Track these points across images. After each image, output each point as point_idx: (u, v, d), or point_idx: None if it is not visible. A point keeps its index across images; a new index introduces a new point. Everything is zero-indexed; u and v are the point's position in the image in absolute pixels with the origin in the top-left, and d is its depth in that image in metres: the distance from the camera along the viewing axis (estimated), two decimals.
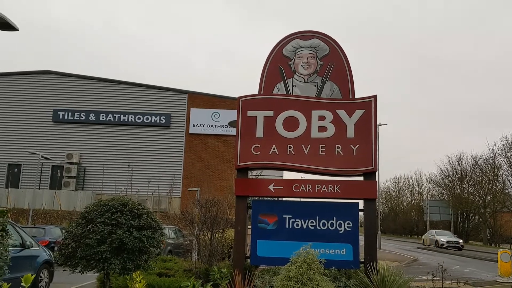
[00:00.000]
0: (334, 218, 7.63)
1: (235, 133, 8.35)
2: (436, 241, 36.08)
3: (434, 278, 9.31)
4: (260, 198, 8.49)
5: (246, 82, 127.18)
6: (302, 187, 7.80)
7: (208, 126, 32.12)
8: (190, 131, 32.15)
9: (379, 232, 31.38)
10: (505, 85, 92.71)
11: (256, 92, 8.42)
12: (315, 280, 5.80)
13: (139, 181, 30.09)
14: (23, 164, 31.31)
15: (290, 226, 7.70)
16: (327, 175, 7.96)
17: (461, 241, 36.01)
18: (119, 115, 32.05)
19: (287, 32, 18.82)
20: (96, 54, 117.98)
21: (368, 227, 7.72)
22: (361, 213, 7.78)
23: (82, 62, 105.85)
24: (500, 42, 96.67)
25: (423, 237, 41.32)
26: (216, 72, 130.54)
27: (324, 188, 7.71)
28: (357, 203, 7.84)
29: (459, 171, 49.34)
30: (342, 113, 7.93)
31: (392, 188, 71.74)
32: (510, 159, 41.22)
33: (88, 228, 6.52)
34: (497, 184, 44.07)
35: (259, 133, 8.04)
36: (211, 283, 7.32)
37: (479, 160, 46.62)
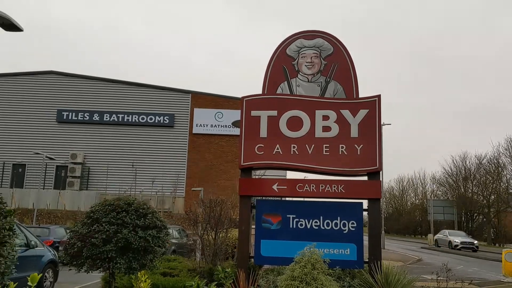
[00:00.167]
0: (338, 218, 7.63)
1: (238, 133, 8.35)
2: (450, 241, 34.29)
3: (439, 278, 9.30)
4: (264, 198, 8.49)
5: (247, 82, 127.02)
6: (306, 187, 7.79)
7: (211, 126, 32.14)
8: (194, 131, 32.18)
9: (383, 232, 31.25)
10: (507, 84, 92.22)
11: (258, 91, 8.42)
12: (319, 279, 5.81)
13: (143, 181, 30.15)
14: (28, 164, 31.42)
15: (294, 226, 7.70)
16: (331, 175, 7.95)
17: (475, 242, 33.88)
18: (123, 115, 32.14)
19: (287, 32, 18.84)
20: (96, 54, 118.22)
21: (372, 227, 7.69)
22: (365, 213, 7.77)
23: (82, 62, 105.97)
24: (500, 42, 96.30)
25: (429, 237, 41.10)
26: (216, 72, 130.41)
27: (328, 188, 7.69)
28: (361, 203, 7.82)
29: (463, 171, 49.18)
30: (346, 113, 7.91)
31: (395, 188, 71.76)
32: None
33: (93, 228, 6.56)
34: (501, 183, 43.89)
35: (263, 133, 8.04)
36: (215, 282, 7.35)
37: (483, 159, 46.50)
